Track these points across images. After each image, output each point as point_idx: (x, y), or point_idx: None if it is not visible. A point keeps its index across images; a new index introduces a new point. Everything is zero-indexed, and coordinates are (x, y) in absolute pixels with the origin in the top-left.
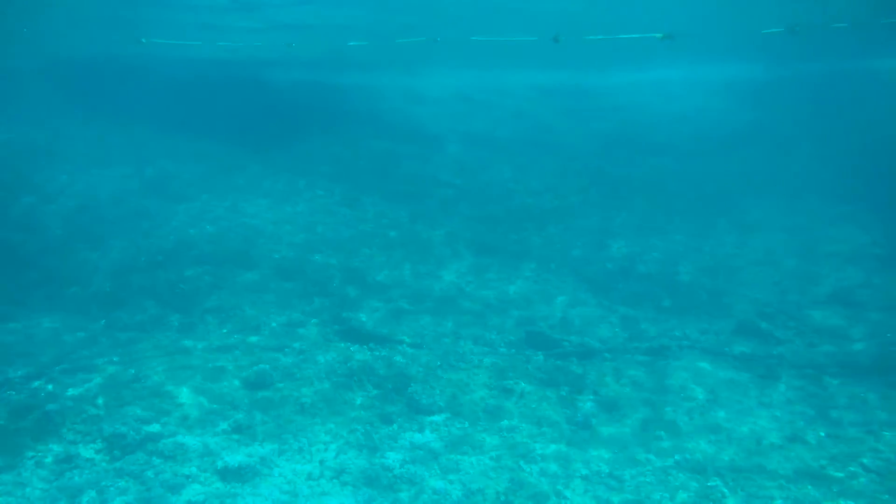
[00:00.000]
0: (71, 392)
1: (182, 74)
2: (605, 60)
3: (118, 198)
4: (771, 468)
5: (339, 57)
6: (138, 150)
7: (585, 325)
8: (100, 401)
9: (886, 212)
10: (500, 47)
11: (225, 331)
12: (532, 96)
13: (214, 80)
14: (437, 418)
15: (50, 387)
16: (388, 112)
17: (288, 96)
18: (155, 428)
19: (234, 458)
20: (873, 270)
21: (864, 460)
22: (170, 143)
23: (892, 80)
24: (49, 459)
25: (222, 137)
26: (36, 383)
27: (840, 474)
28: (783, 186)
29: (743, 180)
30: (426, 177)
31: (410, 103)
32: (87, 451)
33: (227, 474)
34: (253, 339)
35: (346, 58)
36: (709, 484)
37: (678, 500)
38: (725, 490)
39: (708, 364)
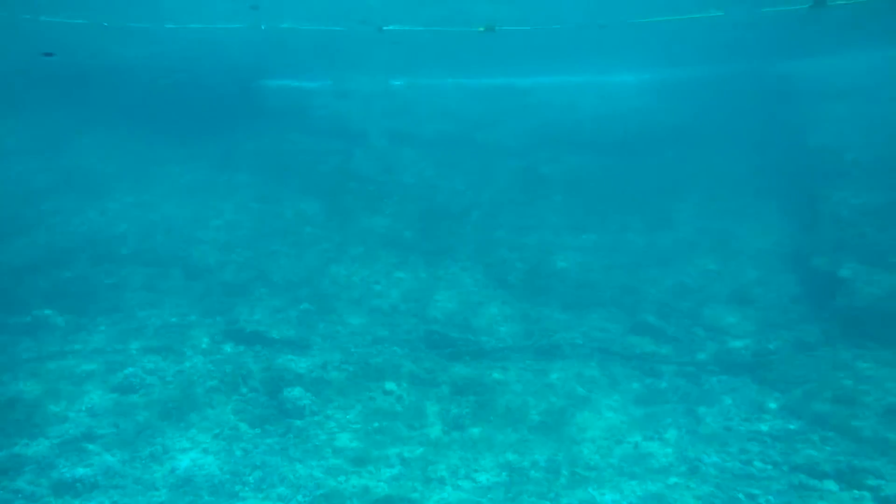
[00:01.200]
0: None
1: (108, 69)
2: (535, 63)
3: (26, 192)
4: (620, 465)
5: (269, 53)
6: (54, 143)
7: (487, 324)
8: None
9: (793, 211)
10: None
11: (112, 333)
12: (462, 94)
13: (141, 75)
14: (302, 422)
15: None
16: (316, 108)
17: (214, 91)
18: None
19: (74, 469)
20: (771, 269)
21: (713, 457)
22: (88, 137)
23: (805, 81)
24: None
25: (144, 133)
26: None
27: (683, 468)
28: (702, 185)
29: (665, 179)
30: (349, 173)
31: (338, 99)
32: None
33: (61, 488)
34: (135, 341)
35: (274, 54)
36: (556, 483)
37: (518, 501)
38: (561, 490)
39: (594, 363)
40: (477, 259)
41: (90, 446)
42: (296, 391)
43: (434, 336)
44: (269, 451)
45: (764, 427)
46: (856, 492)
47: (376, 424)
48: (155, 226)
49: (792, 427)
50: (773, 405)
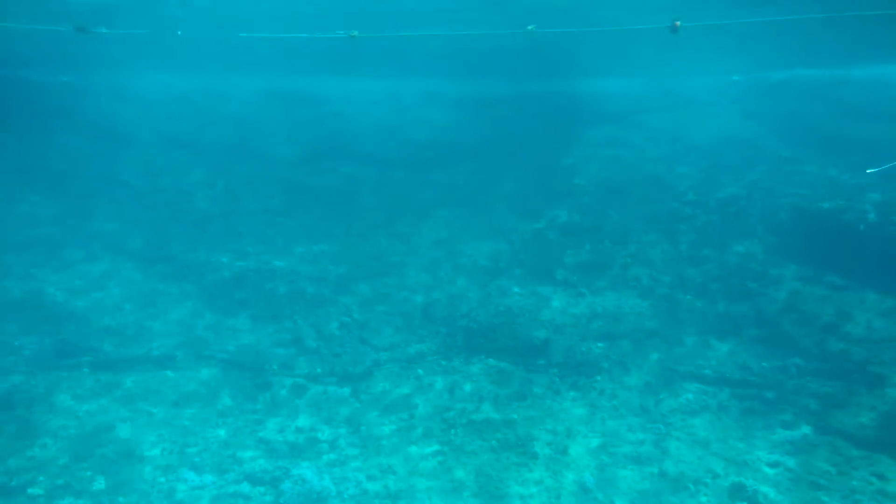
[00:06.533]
0: None
1: None
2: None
3: None
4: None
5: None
6: None
7: (153, 335)
8: None
9: (518, 228)
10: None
11: None
12: (256, 102)
13: None
14: None
15: None
16: (92, 111)
17: None
18: None
19: None
20: (471, 283)
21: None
22: None
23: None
24: None
25: None
26: None
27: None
28: (459, 200)
29: (438, 193)
30: (104, 177)
31: (119, 103)
32: None
33: None
34: None
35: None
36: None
37: None
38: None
39: (211, 373)
40: (195, 268)
41: None
42: None
43: (66, 346)
44: None
45: (302, 437)
46: None
47: None
48: None
49: (320, 435)
50: (344, 411)
